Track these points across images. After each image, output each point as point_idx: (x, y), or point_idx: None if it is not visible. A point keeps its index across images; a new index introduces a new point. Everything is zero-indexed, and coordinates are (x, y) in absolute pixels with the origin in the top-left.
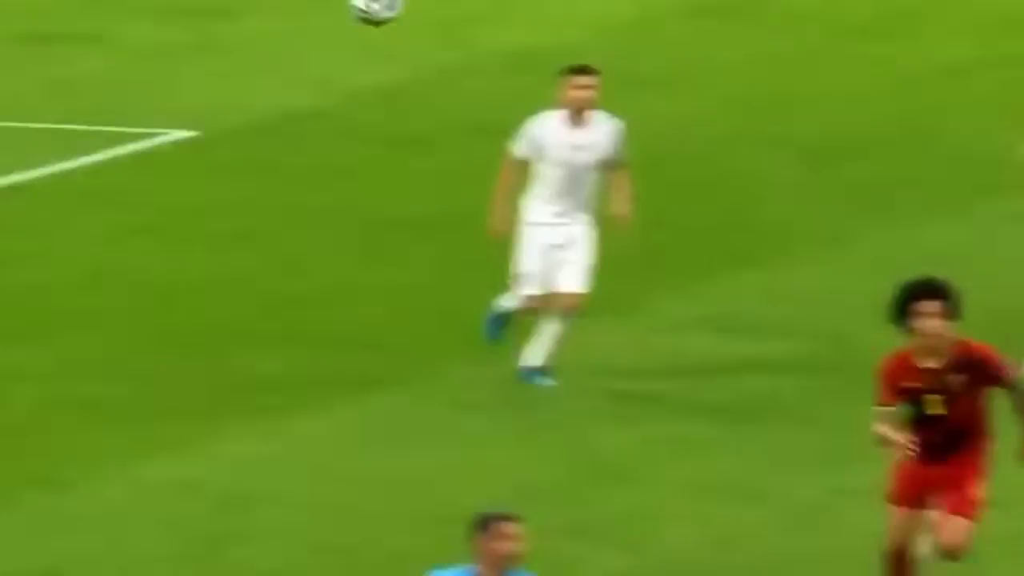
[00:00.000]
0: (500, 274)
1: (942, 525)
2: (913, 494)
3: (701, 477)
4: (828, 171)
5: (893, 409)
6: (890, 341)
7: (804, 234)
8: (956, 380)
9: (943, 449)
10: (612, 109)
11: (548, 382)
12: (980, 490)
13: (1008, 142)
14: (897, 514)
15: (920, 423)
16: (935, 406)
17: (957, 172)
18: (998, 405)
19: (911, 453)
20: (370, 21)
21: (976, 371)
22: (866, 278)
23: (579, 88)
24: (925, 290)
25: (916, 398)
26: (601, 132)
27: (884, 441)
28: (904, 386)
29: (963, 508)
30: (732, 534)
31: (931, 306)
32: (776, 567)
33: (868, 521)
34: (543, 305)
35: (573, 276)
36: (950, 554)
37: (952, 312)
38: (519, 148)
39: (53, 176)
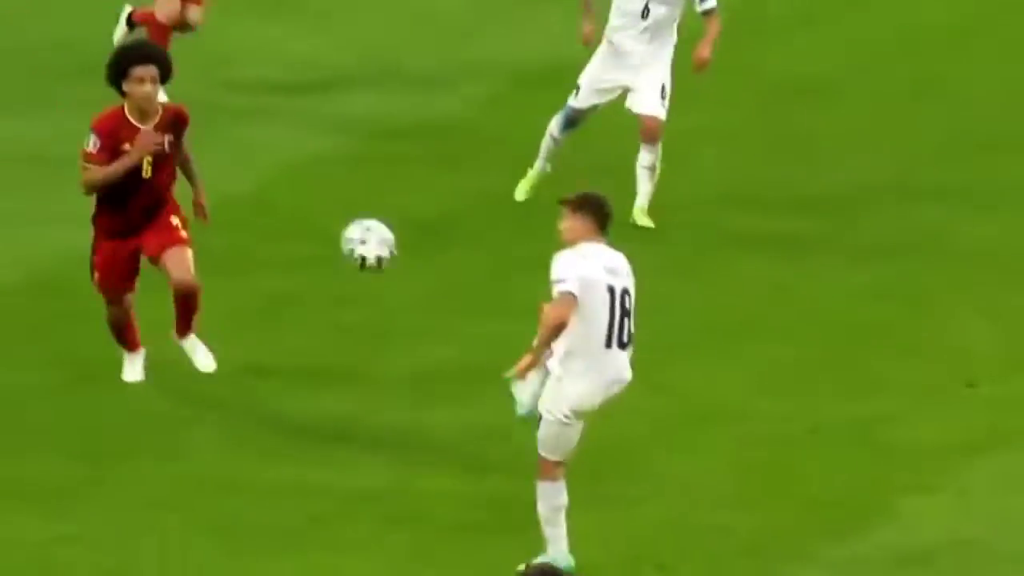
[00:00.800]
0: None
1: (168, 267)
2: (124, 271)
3: None
4: None
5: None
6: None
7: None
8: (165, 141)
9: (146, 214)
10: None
11: None
12: (180, 219)
13: None
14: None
15: (130, 188)
16: (147, 168)
17: None
18: None
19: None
20: (373, 268)
21: (178, 130)
22: None
23: None
24: (139, 55)
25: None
26: None
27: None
28: (124, 148)
29: (175, 239)
30: None
31: (146, 71)
32: None
33: None
34: None
35: None
36: (187, 289)
37: (164, 76)
38: None
39: None
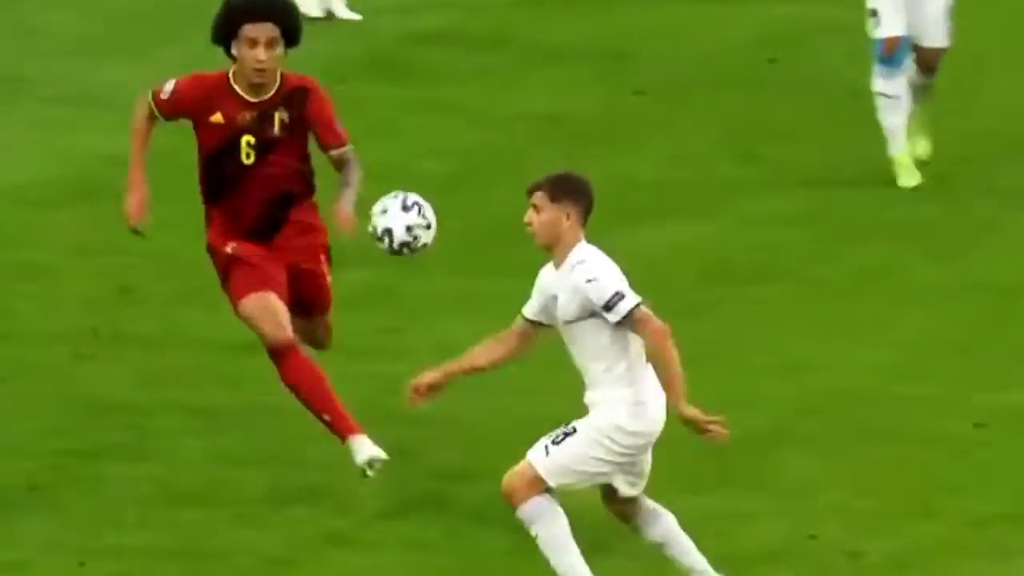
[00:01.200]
0: None
1: (313, 333)
2: (260, 277)
3: None
4: None
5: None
6: None
7: None
8: (279, 119)
9: (268, 217)
10: None
11: None
12: (329, 269)
13: None
14: (252, 304)
15: (232, 175)
16: (247, 152)
17: None
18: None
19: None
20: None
21: (300, 107)
22: None
23: None
24: (253, 8)
25: (230, 140)
26: None
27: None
28: (213, 121)
29: (321, 303)
30: None
31: (260, 30)
32: None
33: None
34: None
35: None
36: (318, 348)
37: (291, 38)
38: None
39: None
